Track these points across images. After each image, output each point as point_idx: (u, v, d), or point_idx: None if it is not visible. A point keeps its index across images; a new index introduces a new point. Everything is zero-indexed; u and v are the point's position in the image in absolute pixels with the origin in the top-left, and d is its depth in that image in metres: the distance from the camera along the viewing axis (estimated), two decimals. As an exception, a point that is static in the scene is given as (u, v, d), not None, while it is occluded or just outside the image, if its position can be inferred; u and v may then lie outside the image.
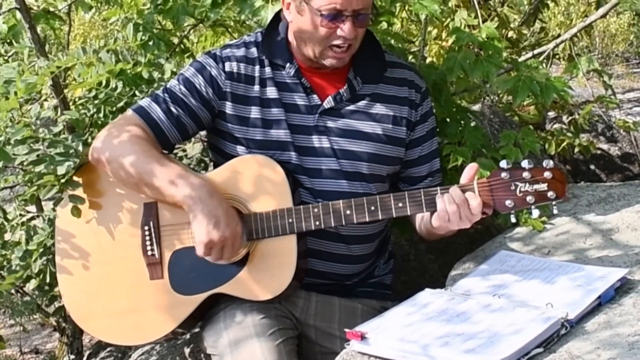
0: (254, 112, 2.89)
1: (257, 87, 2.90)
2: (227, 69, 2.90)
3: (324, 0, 2.73)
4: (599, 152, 4.82)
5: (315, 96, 2.90)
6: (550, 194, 2.62)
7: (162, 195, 2.75)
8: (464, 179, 2.69)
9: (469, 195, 2.64)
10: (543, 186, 2.62)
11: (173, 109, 2.88)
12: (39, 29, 3.56)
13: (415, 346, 2.33)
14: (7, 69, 2.99)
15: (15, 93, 2.89)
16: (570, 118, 4.46)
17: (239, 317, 2.80)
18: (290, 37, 2.91)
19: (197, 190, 2.69)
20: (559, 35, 4.62)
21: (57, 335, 4.23)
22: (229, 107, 2.90)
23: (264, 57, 2.92)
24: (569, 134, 4.34)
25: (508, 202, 2.64)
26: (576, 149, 4.30)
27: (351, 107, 2.92)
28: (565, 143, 4.23)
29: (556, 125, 4.85)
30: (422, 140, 3.01)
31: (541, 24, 5.61)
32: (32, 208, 3.58)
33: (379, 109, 2.93)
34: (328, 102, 2.89)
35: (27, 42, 3.40)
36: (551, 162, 2.63)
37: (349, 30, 2.75)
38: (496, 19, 4.76)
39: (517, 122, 4.46)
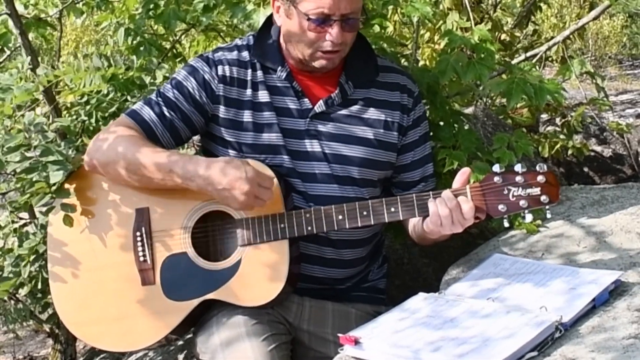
0: (247, 116, 2.88)
1: (249, 91, 2.89)
2: (219, 72, 2.89)
3: (312, 5, 2.72)
4: (592, 154, 4.82)
5: (306, 100, 2.89)
6: (543, 198, 2.61)
7: (169, 183, 2.73)
8: (456, 183, 2.69)
9: (461, 200, 2.63)
10: (536, 190, 2.62)
11: (166, 113, 2.87)
12: (30, 37, 3.55)
13: (408, 351, 2.32)
14: (1, 77, 2.99)
15: (11, 100, 2.88)
16: (563, 120, 4.46)
17: (231, 321, 2.79)
18: (282, 40, 2.91)
19: (195, 175, 2.66)
20: (552, 38, 4.61)
21: (50, 341, 4.22)
22: (222, 111, 2.89)
23: (255, 61, 2.92)
24: (562, 136, 4.34)
25: (501, 207, 2.64)
26: (569, 151, 4.31)
27: (342, 112, 2.91)
28: (558, 145, 4.23)
29: (549, 128, 4.85)
30: (415, 145, 3.00)
31: (534, 26, 5.62)
32: (25, 214, 3.58)
33: (370, 113, 2.93)
34: (319, 106, 2.88)
35: (22, 52, 3.39)
36: (545, 166, 2.63)
37: (336, 35, 2.75)
38: (489, 21, 4.76)
39: (510, 125, 4.46)
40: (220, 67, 2.90)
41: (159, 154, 2.74)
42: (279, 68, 2.89)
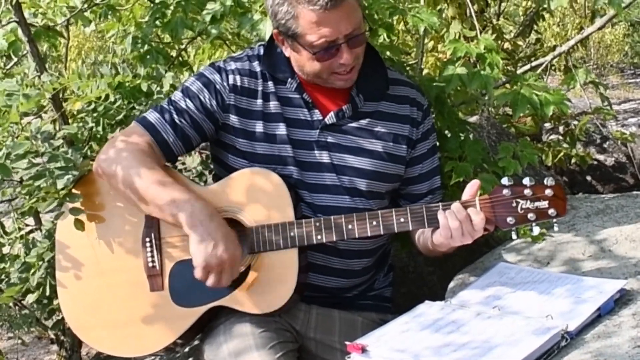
0: (257, 126, 2.89)
1: (259, 102, 2.90)
2: (230, 81, 2.90)
3: (313, 36, 2.72)
4: (594, 162, 4.84)
5: (317, 111, 2.90)
6: (551, 211, 2.63)
7: (162, 214, 2.74)
8: (465, 195, 2.70)
9: (471, 211, 2.65)
10: (544, 203, 2.63)
11: (177, 121, 2.88)
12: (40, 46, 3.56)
13: (416, 358, 2.34)
14: (8, 83, 3.00)
15: (17, 107, 2.89)
16: (566, 129, 4.48)
17: (239, 330, 2.79)
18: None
19: (197, 212, 2.67)
20: (554, 47, 4.63)
21: (54, 347, 4.22)
22: (232, 120, 2.90)
23: (266, 71, 2.93)
24: (565, 145, 4.35)
25: (509, 219, 2.65)
26: (573, 160, 4.32)
27: (353, 124, 2.92)
28: (561, 154, 4.24)
29: (552, 137, 4.86)
30: (423, 157, 3.01)
31: (537, 35, 5.63)
32: (31, 221, 3.59)
33: (380, 126, 2.93)
34: (330, 118, 2.89)
35: (29, 58, 3.40)
36: (552, 180, 2.64)
37: (346, 58, 2.75)
38: (491, 30, 4.77)
39: (514, 134, 4.48)
40: (231, 77, 2.91)
41: (165, 191, 2.73)
42: (289, 80, 2.90)
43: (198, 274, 2.67)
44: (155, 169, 2.77)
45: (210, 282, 2.68)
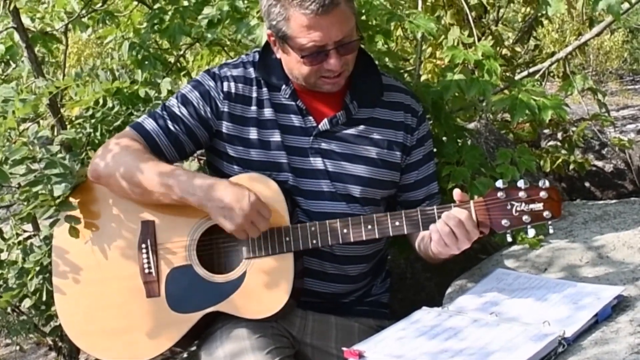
0: (251, 133, 2.89)
1: (254, 108, 2.91)
2: (225, 88, 2.91)
3: (304, 40, 2.72)
4: (593, 169, 4.83)
5: (311, 118, 2.90)
6: (546, 213, 2.63)
7: (169, 199, 2.75)
8: (456, 198, 2.70)
9: (457, 214, 2.64)
10: (539, 206, 2.63)
11: (171, 127, 2.89)
12: (36, 50, 3.56)
13: (412, 364, 2.34)
14: (5, 89, 3.00)
15: (14, 112, 2.89)
16: (564, 135, 4.47)
17: (235, 335, 2.78)
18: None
19: (199, 191, 2.69)
20: (553, 53, 4.62)
21: (53, 354, 4.22)
22: (226, 127, 2.90)
23: (261, 78, 2.93)
24: (564, 151, 4.34)
25: (504, 222, 2.65)
26: (571, 166, 4.31)
27: (347, 131, 2.92)
28: (560, 160, 4.24)
29: (551, 143, 4.86)
30: (419, 164, 3.01)
31: (535, 41, 5.62)
32: (29, 227, 3.59)
33: (374, 133, 2.94)
34: (324, 125, 2.90)
35: (25, 63, 3.41)
36: (547, 182, 2.65)
37: (335, 64, 2.75)
38: (490, 37, 4.77)
39: (512, 140, 4.47)
40: (225, 83, 2.91)
41: (162, 167, 2.77)
42: (283, 86, 2.90)
43: (239, 237, 2.73)
44: (153, 159, 2.79)
45: (253, 234, 2.71)
